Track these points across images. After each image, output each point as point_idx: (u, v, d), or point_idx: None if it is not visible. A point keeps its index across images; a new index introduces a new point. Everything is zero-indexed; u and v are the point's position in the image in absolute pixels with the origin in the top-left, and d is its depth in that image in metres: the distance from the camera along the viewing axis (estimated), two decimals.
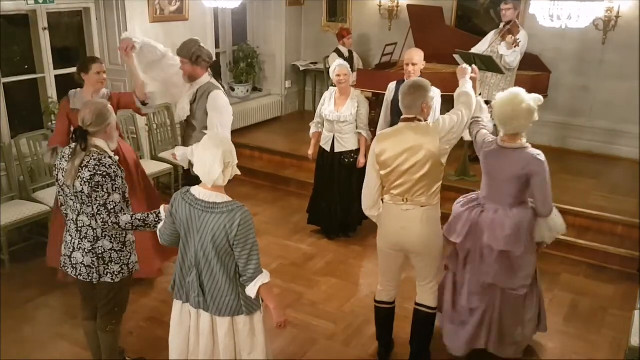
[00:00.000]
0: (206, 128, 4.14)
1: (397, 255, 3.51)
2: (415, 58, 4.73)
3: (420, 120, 3.30)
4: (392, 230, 3.42)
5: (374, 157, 3.35)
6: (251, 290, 2.68)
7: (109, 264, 3.09)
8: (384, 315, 3.77)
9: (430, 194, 3.32)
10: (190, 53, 4.18)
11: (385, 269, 3.62)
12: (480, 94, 6.22)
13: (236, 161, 2.69)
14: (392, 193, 3.35)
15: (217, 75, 4.49)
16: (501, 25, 6.14)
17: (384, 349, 3.84)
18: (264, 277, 2.69)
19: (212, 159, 2.59)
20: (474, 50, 6.26)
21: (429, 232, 3.39)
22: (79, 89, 4.28)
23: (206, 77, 4.28)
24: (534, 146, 3.54)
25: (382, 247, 3.54)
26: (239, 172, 2.74)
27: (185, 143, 4.40)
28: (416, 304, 3.64)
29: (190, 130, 4.36)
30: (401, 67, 5.03)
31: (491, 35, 6.29)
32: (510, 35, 5.95)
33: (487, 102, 6.33)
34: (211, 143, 2.63)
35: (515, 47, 5.94)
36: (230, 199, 2.67)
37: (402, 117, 3.35)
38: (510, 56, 6.01)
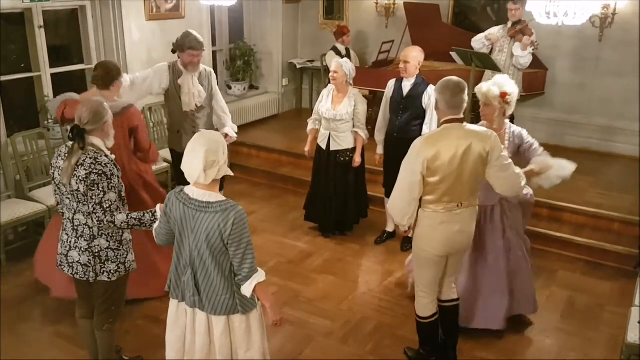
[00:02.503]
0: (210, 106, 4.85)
1: (444, 259, 3.37)
2: (409, 56, 4.73)
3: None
4: (444, 236, 3.25)
5: (422, 164, 3.07)
6: (246, 289, 2.67)
7: (106, 263, 3.09)
8: (436, 326, 3.57)
9: (476, 190, 3.30)
10: (203, 45, 4.57)
11: (433, 277, 3.42)
12: None
13: (223, 160, 2.62)
14: (443, 201, 3.17)
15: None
16: (509, 24, 6.10)
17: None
18: (259, 276, 2.68)
19: (193, 157, 2.58)
20: (482, 34, 6.25)
21: (474, 227, 3.41)
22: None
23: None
24: None
25: (430, 257, 3.32)
26: (230, 173, 2.69)
27: (197, 128, 4.64)
28: (445, 301, 3.55)
29: (203, 114, 4.76)
30: (398, 65, 5.03)
31: (496, 30, 6.25)
32: (527, 37, 5.91)
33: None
34: (197, 142, 2.60)
35: (533, 49, 5.92)
36: (224, 198, 2.66)
37: (448, 118, 3.17)
38: (525, 57, 5.98)
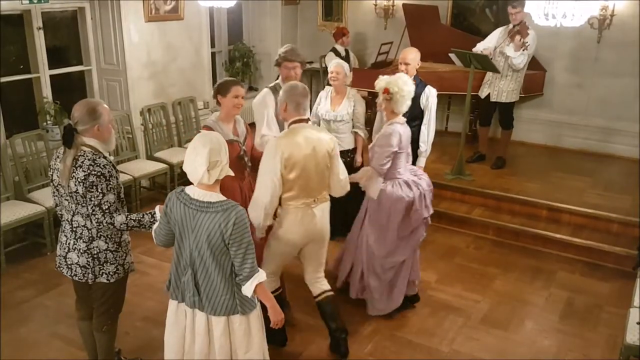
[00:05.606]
0: None
1: (297, 250, 3.71)
2: (408, 58, 4.73)
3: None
4: (305, 229, 3.55)
5: (280, 161, 3.31)
6: (247, 289, 2.68)
7: (105, 265, 3.08)
8: (279, 298, 3.84)
9: (326, 185, 3.63)
10: (300, 56, 4.41)
11: (283, 265, 3.81)
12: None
13: (225, 161, 2.66)
14: (301, 197, 3.47)
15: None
16: (510, 26, 6.11)
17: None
18: (260, 276, 2.69)
19: (194, 158, 2.59)
20: (480, 46, 6.26)
21: (328, 219, 3.76)
22: (214, 115, 3.83)
23: None
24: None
25: (288, 249, 3.64)
26: (231, 173, 2.71)
27: None
28: (318, 295, 3.79)
29: None
30: (397, 67, 5.03)
31: (498, 33, 6.24)
32: (519, 37, 5.92)
33: (496, 102, 6.38)
34: (199, 142, 2.61)
35: (523, 49, 5.93)
36: (224, 198, 2.67)
37: (297, 118, 3.43)
38: (517, 58, 5.98)
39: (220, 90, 3.70)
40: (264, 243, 3.66)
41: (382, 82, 3.93)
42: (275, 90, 4.35)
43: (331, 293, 3.81)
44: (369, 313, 4.19)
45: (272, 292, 3.75)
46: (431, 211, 4.16)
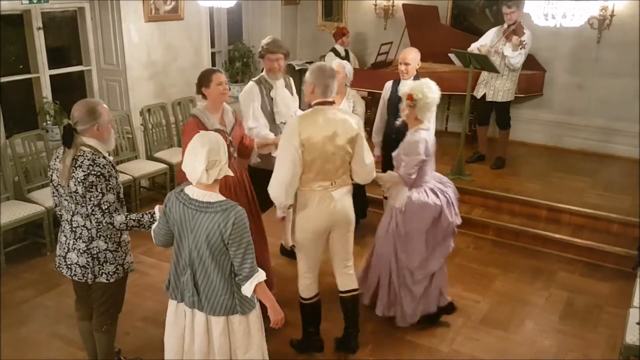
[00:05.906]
0: None
1: (324, 237, 3.59)
2: (408, 58, 4.73)
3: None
4: (324, 212, 3.46)
5: (299, 140, 3.26)
6: (247, 289, 2.68)
7: (104, 264, 3.09)
8: (318, 306, 3.78)
9: (348, 170, 3.54)
10: (282, 48, 4.35)
11: (316, 258, 3.65)
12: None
13: (224, 160, 2.66)
14: (318, 179, 3.42)
15: None
16: (505, 25, 6.11)
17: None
18: (260, 276, 2.69)
19: (194, 157, 2.59)
20: (475, 44, 6.25)
21: (351, 202, 3.64)
22: (201, 105, 3.87)
23: None
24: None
25: (312, 236, 3.53)
26: (230, 173, 2.71)
27: None
28: (343, 292, 3.74)
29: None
30: (397, 67, 5.04)
31: (493, 33, 6.24)
32: (516, 37, 5.93)
33: (492, 102, 6.39)
34: (198, 142, 2.62)
35: (521, 48, 5.93)
36: (224, 198, 2.67)
37: (321, 100, 3.39)
38: (515, 58, 5.98)
39: (203, 81, 3.70)
40: (285, 223, 3.62)
41: (405, 87, 3.82)
42: (260, 82, 4.40)
43: (357, 292, 3.77)
44: (399, 325, 4.06)
45: (311, 298, 3.70)
46: (460, 220, 4.02)
